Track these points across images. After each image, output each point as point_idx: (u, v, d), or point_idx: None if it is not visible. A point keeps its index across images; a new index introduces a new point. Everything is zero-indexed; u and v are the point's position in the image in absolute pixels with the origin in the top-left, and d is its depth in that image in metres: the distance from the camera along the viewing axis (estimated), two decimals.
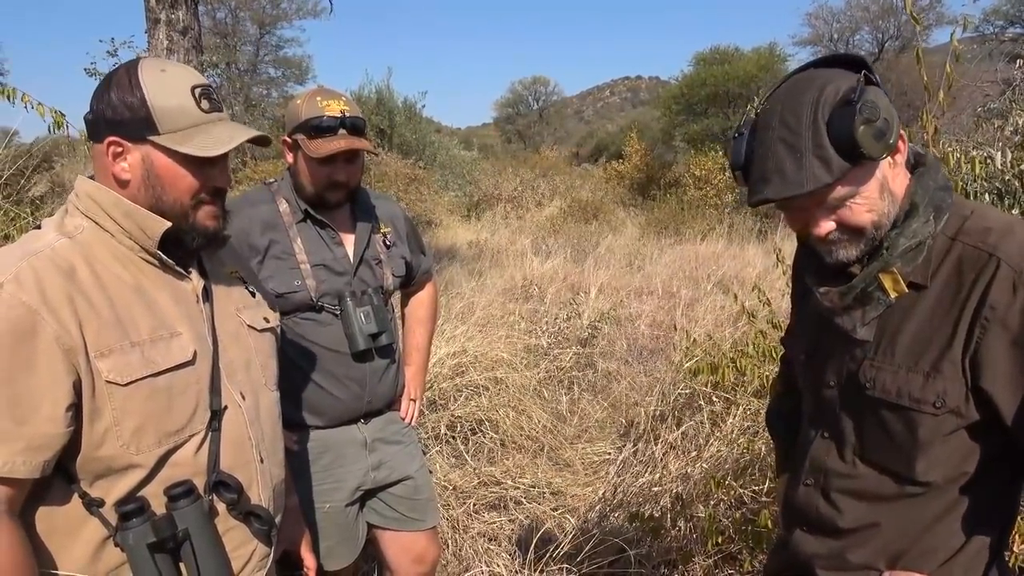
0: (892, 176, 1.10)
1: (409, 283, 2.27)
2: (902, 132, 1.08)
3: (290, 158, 1.95)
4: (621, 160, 21.74)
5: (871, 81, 1.05)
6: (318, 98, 1.87)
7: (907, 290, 1.09)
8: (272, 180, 2.03)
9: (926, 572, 1.12)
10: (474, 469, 3.77)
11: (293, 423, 1.95)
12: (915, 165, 1.15)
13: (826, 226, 1.10)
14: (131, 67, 1.19)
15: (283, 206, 1.95)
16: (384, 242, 2.09)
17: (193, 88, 1.19)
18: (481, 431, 4.12)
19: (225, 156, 1.21)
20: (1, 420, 1.01)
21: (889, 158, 1.08)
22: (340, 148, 1.83)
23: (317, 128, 1.83)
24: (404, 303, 2.39)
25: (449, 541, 3.21)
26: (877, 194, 1.08)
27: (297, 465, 1.96)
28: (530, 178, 19.02)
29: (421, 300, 2.37)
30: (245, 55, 23.67)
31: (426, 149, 17.19)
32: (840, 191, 1.06)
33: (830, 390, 1.22)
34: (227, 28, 22.32)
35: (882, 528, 1.16)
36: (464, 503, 3.44)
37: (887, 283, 1.10)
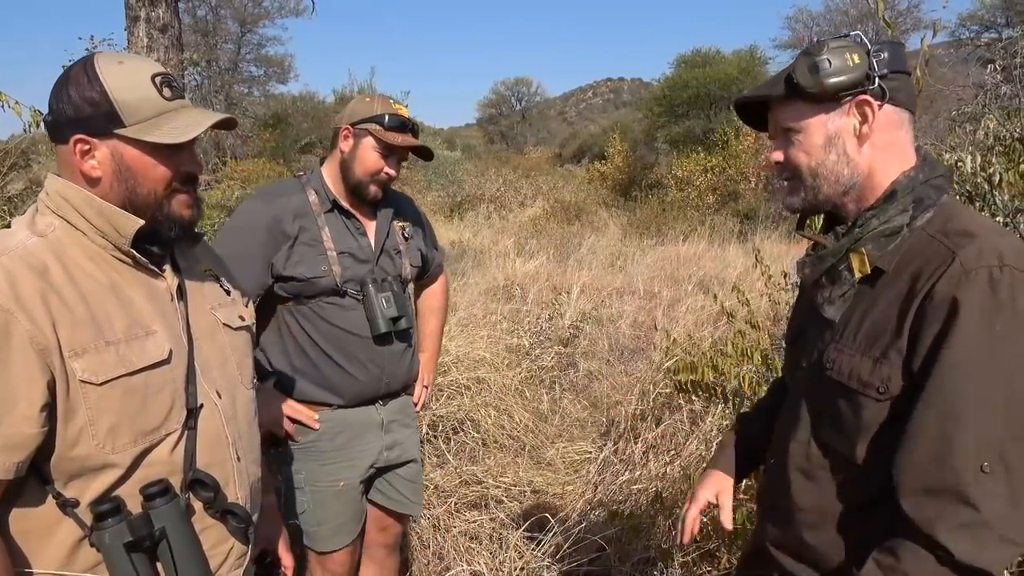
0: (852, 140, 1.16)
1: (423, 275, 2.40)
2: (873, 107, 1.13)
3: (346, 146, 2.06)
4: (603, 161, 21.86)
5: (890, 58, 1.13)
6: (390, 101, 2.10)
7: (869, 272, 1.13)
8: (302, 173, 2.17)
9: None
10: (456, 468, 3.78)
11: (314, 402, 2.09)
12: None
13: (776, 155, 1.23)
14: (87, 63, 1.17)
15: (312, 196, 2.06)
16: (403, 234, 2.22)
17: (154, 77, 1.19)
18: (463, 430, 4.13)
19: (193, 142, 1.20)
20: None
21: (853, 120, 1.15)
22: (410, 143, 2.04)
23: (391, 122, 2.02)
24: (417, 295, 2.52)
25: (430, 540, 3.21)
26: (820, 142, 1.16)
27: (318, 441, 2.10)
28: (513, 179, 19.07)
29: (434, 291, 2.52)
30: (226, 53, 23.46)
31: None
32: (783, 116, 1.20)
33: (801, 371, 1.28)
34: (208, 26, 22.11)
35: (828, 511, 1.18)
36: (446, 502, 3.44)
37: (855, 262, 1.14)
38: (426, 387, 2.43)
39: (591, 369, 5.37)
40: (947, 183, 1.18)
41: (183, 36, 4.97)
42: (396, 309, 2.08)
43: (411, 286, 2.36)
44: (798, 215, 1.36)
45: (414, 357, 2.27)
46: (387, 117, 2.01)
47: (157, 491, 1.13)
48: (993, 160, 2.41)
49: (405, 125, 2.04)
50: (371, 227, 2.14)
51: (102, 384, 1.10)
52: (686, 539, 1.52)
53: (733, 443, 1.58)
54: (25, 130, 2.69)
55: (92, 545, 1.11)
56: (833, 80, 1.12)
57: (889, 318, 1.10)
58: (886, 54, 1.13)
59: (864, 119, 1.14)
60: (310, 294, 2.02)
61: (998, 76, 3.05)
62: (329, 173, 2.10)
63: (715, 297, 3.45)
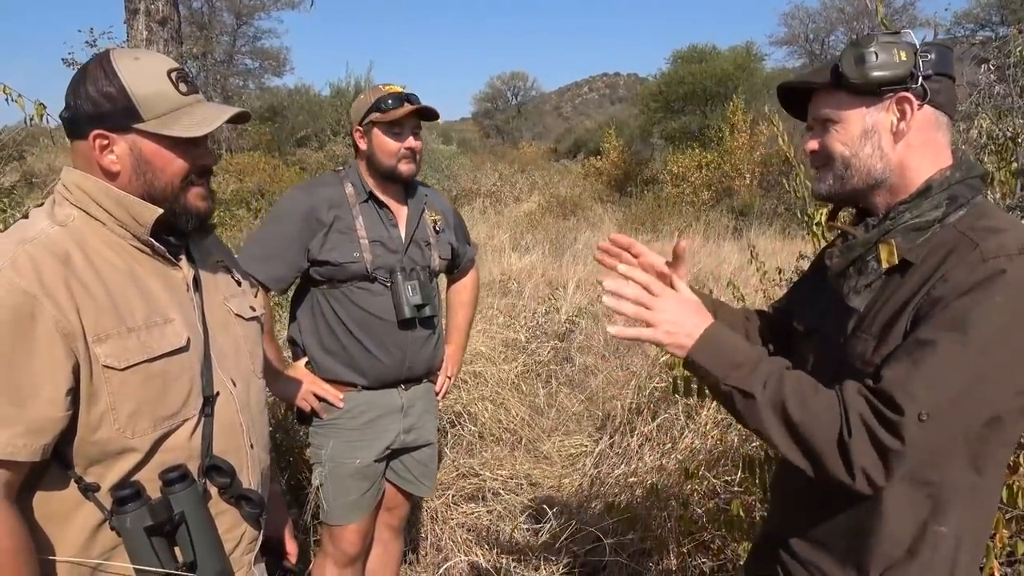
0: (888, 136, 1.18)
1: (454, 269, 2.50)
2: (913, 106, 1.15)
3: (363, 144, 2.22)
4: (599, 156, 21.89)
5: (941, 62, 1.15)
6: (380, 86, 2.23)
7: (897, 262, 1.15)
8: (340, 168, 2.32)
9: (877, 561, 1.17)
10: (453, 461, 3.81)
11: (340, 381, 2.24)
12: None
13: (812, 144, 1.25)
14: (103, 59, 1.20)
15: (348, 188, 2.22)
16: (435, 228, 2.32)
17: (169, 72, 1.22)
18: (460, 424, 4.16)
19: (207, 136, 1.24)
20: (1, 404, 1.02)
21: (892, 116, 1.17)
22: (409, 110, 2.13)
23: (387, 103, 2.14)
24: (448, 288, 2.63)
25: (428, 532, 3.25)
26: (857, 133, 1.19)
27: (341, 419, 2.23)
28: (509, 173, 19.08)
29: (464, 285, 2.63)
30: (221, 46, 23.37)
31: None
32: (824, 104, 1.22)
33: (819, 362, 1.29)
34: (204, 18, 22.02)
35: (842, 505, 1.20)
36: (443, 494, 3.48)
37: (883, 253, 1.16)
38: (450, 377, 2.53)
39: (587, 363, 5.40)
40: (982, 184, 1.20)
41: (181, 28, 4.96)
42: (421, 297, 2.20)
43: (442, 278, 2.47)
44: (830, 208, 1.39)
45: (438, 345, 2.37)
46: (383, 101, 2.14)
47: (176, 476, 1.16)
48: (986, 159, 2.45)
49: (402, 98, 2.15)
50: (403, 219, 2.27)
51: (124, 369, 1.13)
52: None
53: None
54: (27, 123, 2.70)
55: (112, 529, 1.14)
56: (877, 74, 1.14)
57: (907, 307, 1.11)
58: (933, 56, 1.14)
59: (902, 116, 1.16)
60: (342, 278, 2.16)
61: (992, 76, 3.10)
62: (362, 170, 2.26)
63: (711, 292, 3.49)
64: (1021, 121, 2.84)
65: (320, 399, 2.23)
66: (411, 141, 2.18)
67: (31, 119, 2.65)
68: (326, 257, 2.14)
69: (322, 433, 2.25)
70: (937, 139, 1.18)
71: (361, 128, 2.21)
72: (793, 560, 1.30)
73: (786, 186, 2.72)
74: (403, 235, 2.25)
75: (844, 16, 30.76)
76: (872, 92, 1.16)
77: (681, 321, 1.17)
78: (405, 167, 2.19)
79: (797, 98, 1.30)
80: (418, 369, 2.30)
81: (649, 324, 1.17)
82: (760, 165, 16.00)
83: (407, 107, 2.14)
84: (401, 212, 2.27)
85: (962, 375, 1.02)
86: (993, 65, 3.19)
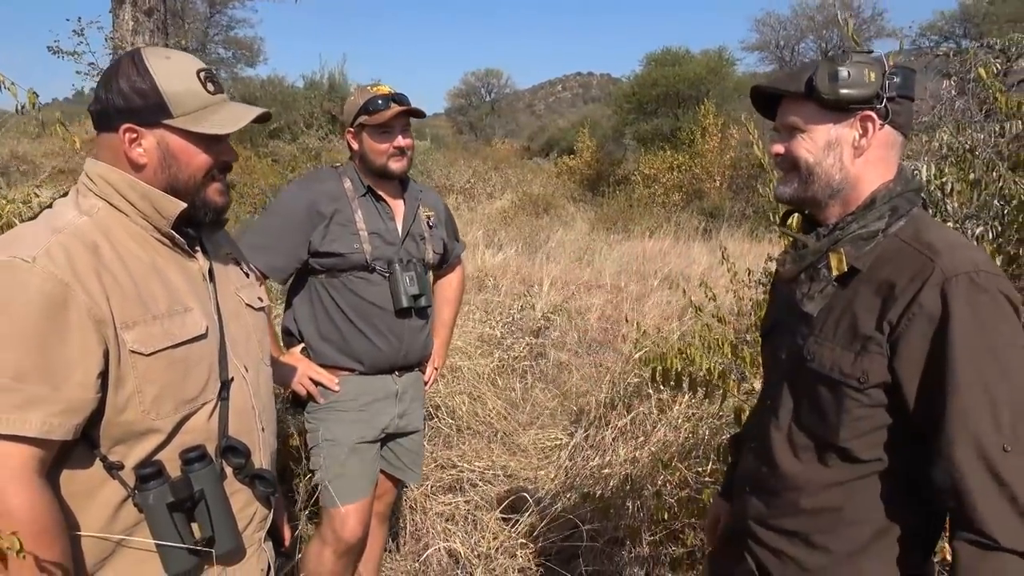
0: (850, 150, 1.25)
1: (442, 265, 2.59)
2: (875, 124, 1.23)
3: (355, 145, 2.32)
4: (572, 156, 22.04)
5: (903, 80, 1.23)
6: (367, 87, 2.32)
7: (846, 270, 1.24)
8: (338, 164, 2.42)
9: (844, 545, 1.26)
10: (431, 453, 3.89)
11: (338, 367, 2.33)
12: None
13: (778, 147, 1.33)
14: (136, 57, 1.26)
15: (347, 183, 2.31)
16: (428, 223, 2.42)
17: (198, 72, 1.29)
18: (438, 416, 4.25)
19: (230, 135, 1.31)
20: (39, 386, 1.08)
21: (855, 132, 1.25)
22: (397, 111, 2.23)
23: (375, 105, 2.23)
24: (434, 283, 2.71)
25: (408, 522, 3.33)
26: (822, 143, 1.27)
27: (338, 403, 2.31)
28: (482, 170, 19.11)
29: (450, 281, 2.74)
30: (194, 34, 23.03)
31: None
32: (794, 112, 1.29)
33: (780, 363, 1.39)
34: (176, 5, 21.65)
35: (809, 492, 1.30)
36: (422, 485, 3.55)
37: (833, 261, 1.26)
38: (436, 368, 2.63)
39: (561, 360, 5.52)
40: (918, 196, 1.29)
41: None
42: (418, 288, 2.31)
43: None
44: (781, 214, 1.48)
45: (430, 335, 2.48)
46: (371, 103, 2.23)
47: (196, 455, 1.23)
48: (946, 170, 2.60)
49: (390, 99, 2.24)
50: (399, 213, 2.37)
51: (150, 355, 1.19)
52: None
53: (729, 467, 1.69)
54: (18, 111, 2.71)
55: (135, 505, 1.21)
56: (846, 91, 1.21)
57: (870, 315, 1.19)
58: (898, 79, 1.22)
59: (864, 133, 1.24)
60: (343, 268, 2.25)
61: (952, 91, 3.26)
62: (358, 167, 2.35)
63: (683, 292, 3.61)
64: (979, 135, 3.01)
65: (316, 384, 2.30)
66: (400, 140, 2.27)
67: (23, 107, 2.67)
68: (328, 248, 2.22)
69: (320, 417, 2.33)
70: (890, 156, 1.27)
71: (353, 130, 2.31)
72: (761, 547, 1.38)
73: (758, 189, 2.85)
74: (399, 228, 2.34)
75: (814, 24, 31.34)
76: (840, 107, 1.24)
77: None
78: (396, 164, 2.28)
79: (768, 100, 1.38)
80: (412, 357, 2.40)
81: None
82: (730, 168, 16.30)
83: (394, 108, 2.23)
84: (397, 207, 2.37)
85: (1006, 396, 1.10)
86: (954, 80, 3.36)
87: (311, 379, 2.30)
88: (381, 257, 2.28)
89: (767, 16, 34.43)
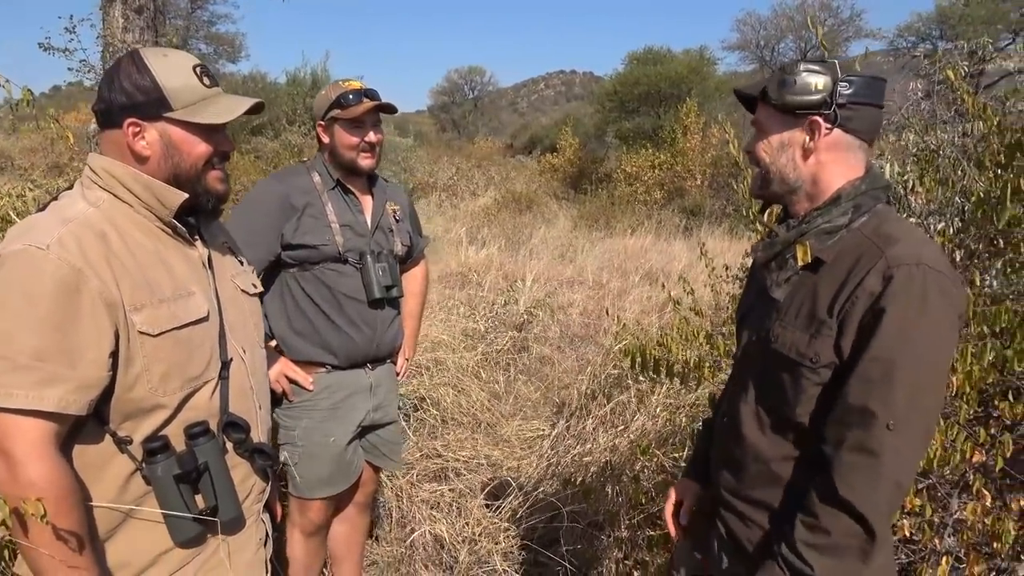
0: (799, 151, 1.36)
1: (408, 259, 2.62)
2: (821, 129, 1.33)
3: (326, 139, 2.35)
4: (555, 153, 22.11)
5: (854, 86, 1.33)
6: (340, 82, 2.36)
7: (810, 261, 1.35)
8: (306, 160, 2.47)
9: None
10: (416, 443, 3.98)
11: (311, 362, 2.32)
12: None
13: (748, 145, 1.46)
14: (135, 56, 1.35)
15: (316, 177, 2.35)
16: (395, 216, 2.47)
17: (194, 67, 1.38)
18: (423, 408, 4.33)
19: (226, 124, 1.40)
20: (56, 365, 1.16)
21: (804, 135, 1.35)
22: (369, 107, 2.26)
23: (347, 99, 2.26)
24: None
25: (393, 509, 3.41)
26: (776, 145, 1.39)
27: (311, 400, 2.33)
28: (465, 168, 19.16)
29: (415, 275, 2.77)
30: (176, 29, 22.83)
31: None
32: (758, 114, 1.42)
33: (750, 344, 1.51)
34: (159, 2, 21.47)
35: (775, 462, 1.41)
36: (408, 473, 3.64)
37: (798, 252, 1.37)
38: (407, 359, 2.69)
39: (544, 353, 5.63)
40: (884, 193, 1.39)
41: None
42: (390, 278, 2.35)
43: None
44: (760, 205, 1.61)
45: (401, 327, 2.54)
46: (343, 97, 2.27)
47: (200, 430, 1.32)
48: (908, 168, 2.72)
49: (362, 94, 2.27)
50: (368, 207, 2.42)
51: (157, 336, 1.28)
52: (673, 534, 1.77)
53: (697, 449, 1.80)
54: (13, 109, 2.75)
55: (144, 478, 1.29)
56: (792, 98, 1.33)
57: (825, 301, 1.30)
58: (851, 88, 1.31)
59: (811, 137, 1.34)
60: (315, 260, 2.28)
61: (919, 93, 3.39)
62: (328, 161, 2.38)
63: (663, 287, 3.72)
64: (944, 135, 3.14)
65: (291, 381, 2.31)
66: (371, 135, 2.30)
67: (16, 104, 2.71)
68: (301, 241, 2.25)
69: (294, 415, 2.34)
70: (848, 157, 1.36)
71: (323, 123, 2.34)
72: (731, 514, 1.49)
73: (735, 187, 2.97)
74: (369, 221, 2.39)
75: (793, 24, 31.66)
76: (790, 112, 1.35)
77: None
78: (365, 161, 2.32)
79: (749, 99, 1.50)
80: (384, 347, 2.44)
81: None
82: (711, 166, 16.45)
83: (367, 103, 2.26)
84: (366, 201, 2.42)
85: (907, 381, 1.22)
86: (920, 82, 3.49)
87: (286, 377, 2.30)
88: (353, 249, 2.31)
89: (747, 16, 34.77)
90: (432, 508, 3.46)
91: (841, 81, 1.33)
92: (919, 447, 1.27)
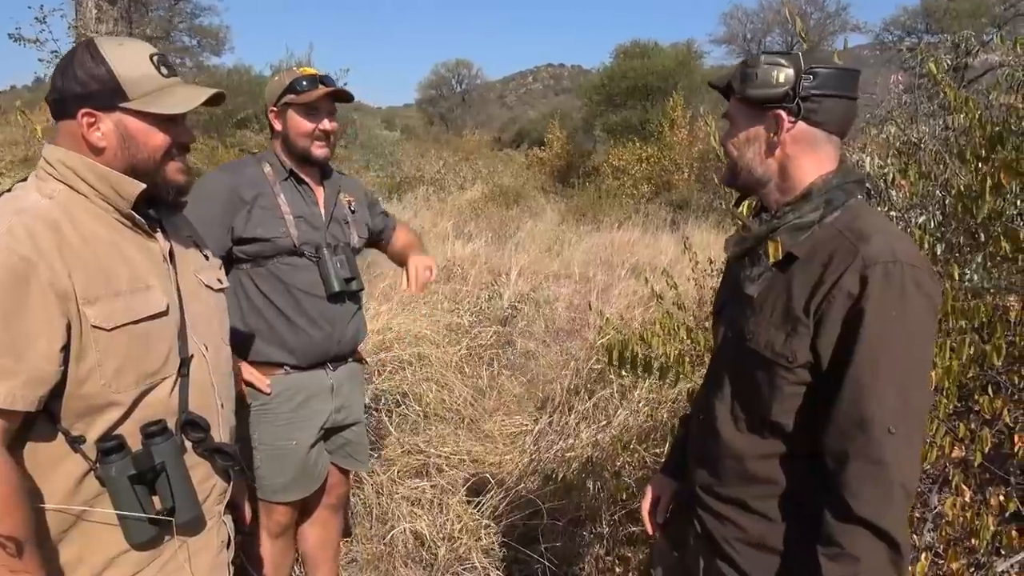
0: (764, 145, 1.34)
1: (377, 242, 2.61)
2: (783, 123, 1.30)
3: (278, 125, 2.25)
4: (542, 147, 22.08)
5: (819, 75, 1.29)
6: (294, 68, 2.29)
7: (781, 258, 1.32)
8: (256, 152, 2.38)
9: (778, 513, 1.35)
10: (398, 439, 3.94)
11: (268, 362, 2.22)
12: None
13: (721, 138, 1.45)
14: (90, 45, 1.31)
15: (267, 168, 2.25)
16: (349, 207, 2.38)
17: (151, 56, 1.34)
18: (405, 403, 4.29)
19: (185, 115, 1.36)
20: (2, 358, 1.12)
21: (768, 128, 1.32)
22: (324, 92, 2.18)
23: (301, 85, 2.17)
24: (385, 250, 2.68)
25: (374, 506, 3.38)
26: (742, 136, 1.37)
27: (270, 404, 2.23)
28: (452, 161, 19.09)
29: (398, 233, 2.68)
30: (158, 21, 22.60)
31: (347, 128, 16.99)
32: (730, 107, 1.39)
33: (726, 340, 1.48)
34: None
35: (747, 461, 1.38)
36: (389, 470, 3.61)
37: (770, 249, 1.34)
38: (430, 268, 2.45)
39: (528, 348, 5.60)
40: (857, 187, 1.36)
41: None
42: (349, 271, 2.26)
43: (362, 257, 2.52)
44: (737, 195, 1.57)
45: (363, 323, 2.44)
46: (297, 83, 2.18)
47: (157, 429, 1.28)
48: (889, 161, 2.71)
49: (317, 80, 2.20)
50: (320, 198, 2.32)
51: (112, 330, 1.24)
52: (650, 530, 1.75)
53: (675, 446, 1.78)
54: None
55: (98, 478, 1.25)
56: (754, 92, 1.30)
57: (800, 299, 1.26)
58: (814, 79, 1.27)
59: (775, 131, 1.31)
60: (269, 254, 2.18)
61: (900, 87, 3.39)
62: (279, 150, 2.28)
63: (646, 281, 3.70)
64: (925, 127, 3.13)
65: (247, 384, 2.20)
66: (326, 123, 2.22)
67: None
68: (252, 234, 2.15)
69: (252, 420, 2.22)
70: (816, 151, 1.32)
71: (276, 109, 2.23)
72: (706, 512, 1.47)
73: (716, 181, 2.94)
74: (323, 213, 2.29)
75: (780, 17, 31.75)
76: (753, 105, 1.32)
77: None
78: (319, 150, 2.23)
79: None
80: (346, 345, 2.34)
81: None
82: (698, 160, 16.47)
83: (322, 89, 2.18)
84: (319, 192, 2.32)
85: (897, 382, 1.20)
86: (902, 75, 3.49)
87: (243, 380, 2.18)
88: (308, 242, 2.22)
89: (735, 9, 34.85)
90: (413, 504, 3.43)
91: (805, 73, 1.29)
92: (918, 446, 1.25)
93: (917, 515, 2.20)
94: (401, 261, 2.57)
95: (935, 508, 2.19)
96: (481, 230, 10.55)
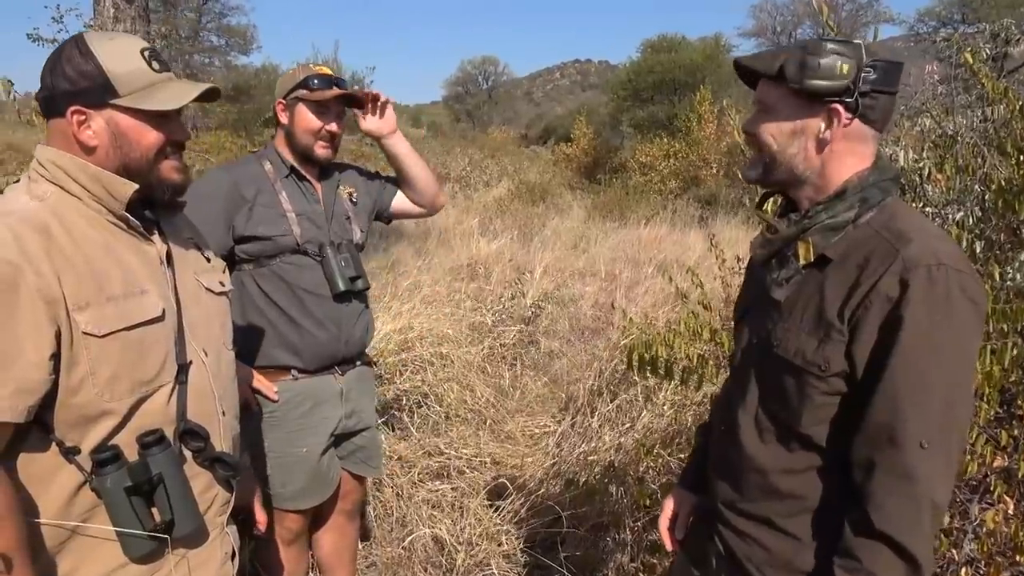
0: (813, 140, 1.23)
1: (384, 217, 2.46)
2: (841, 118, 1.20)
3: (284, 119, 2.21)
4: (569, 143, 21.96)
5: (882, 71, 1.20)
6: (311, 65, 2.22)
7: (812, 259, 1.24)
8: (256, 150, 2.30)
9: (807, 531, 1.27)
10: (419, 440, 3.90)
11: (274, 366, 2.16)
12: None
13: (749, 127, 1.31)
14: (79, 40, 1.26)
15: (267, 166, 2.20)
16: (351, 199, 2.31)
17: (142, 51, 1.29)
18: (426, 404, 4.25)
19: (180, 111, 1.32)
20: None
21: (821, 123, 1.22)
22: (337, 94, 2.15)
23: (314, 83, 2.14)
24: (404, 190, 2.46)
25: (394, 508, 3.34)
26: (787, 130, 1.25)
27: (279, 411, 2.17)
28: (479, 158, 19.09)
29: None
30: (187, 21, 22.90)
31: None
32: (766, 93, 1.27)
33: (750, 347, 1.39)
34: None
35: (775, 474, 1.31)
36: (408, 472, 3.57)
37: (801, 250, 1.25)
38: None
39: (552, 347, 5.53)
40: (894, 185, 1.27)
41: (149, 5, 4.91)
42: (354, 269, 2.20)
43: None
44: (760, 194, 1.47)
45: (371, 323, 2.38)
46: (310, 80, 2.14)
47: (153, 439, 1.23)
48: (924, 155, 2.59)
49: (330, 82, 2.16)
50: (320, 195, 2.26)
51: (104, 336, 1.19)
52: (669, 547, 1.67)
53: (693, 456, 1.69)
54: None
55: (93, 490, 1.21)
56: (814, 82, 1.18)
57: (834, 303, 1.19)
58: (875, 74, 1.19)
59: (829, 126, 1.22)
60: (271, 253, 2.13)
61: (935, 77, 3.25)
62: (281, 146, 2.24)
63: (670, 279, 3.61)
64: (962, 120, 3.00)
65: (255, 391, 2.14)
66: (333, 125, 2.18)
67: None
68: (253, 232, 2.10)
69: (262, 427, 2.18)
70: (860, 148, 1.24)
71: (284, 102, 2.19)
72: (728, 530, 1.39)
73: (737, 175, 2.85)
74: (323, 210, 2.24)
75: (811, 10, 31.16)
76: (808, 97, 1.21)
77: None
78: (322, 151, 2.19)
79: (754, 72, 1.32)
80: (353, 346, 2.28)
81: None
82: (726, 155, 16.24)
83: (335, 91, 2.14)
84: (319, 188, 2.27)
85: (937, 394, 1.11)
86: (937, 65, 3.35)
87: (250, 386, 2.13)
88: (312, 240, 2.16)
89: (764, 2, 34.33)
90: (433, 508, 3.39)
91: (866, 67, 1.19)
92: (954, 462, 1.16)
93: (956, 526, 2.10)
94: (399, 165, 2.41)
95: (975, 519, 2.08)
96: (507, 227, 10.49)
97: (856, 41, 1.23)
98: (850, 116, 1.21)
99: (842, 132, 1.22)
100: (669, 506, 1.67)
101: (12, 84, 2.57)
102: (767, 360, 1.31)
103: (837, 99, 1.20)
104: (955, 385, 1.13)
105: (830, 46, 1.19)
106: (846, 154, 1.24)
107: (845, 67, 1.18)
